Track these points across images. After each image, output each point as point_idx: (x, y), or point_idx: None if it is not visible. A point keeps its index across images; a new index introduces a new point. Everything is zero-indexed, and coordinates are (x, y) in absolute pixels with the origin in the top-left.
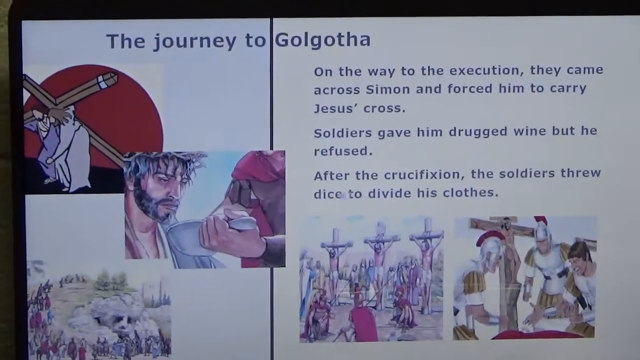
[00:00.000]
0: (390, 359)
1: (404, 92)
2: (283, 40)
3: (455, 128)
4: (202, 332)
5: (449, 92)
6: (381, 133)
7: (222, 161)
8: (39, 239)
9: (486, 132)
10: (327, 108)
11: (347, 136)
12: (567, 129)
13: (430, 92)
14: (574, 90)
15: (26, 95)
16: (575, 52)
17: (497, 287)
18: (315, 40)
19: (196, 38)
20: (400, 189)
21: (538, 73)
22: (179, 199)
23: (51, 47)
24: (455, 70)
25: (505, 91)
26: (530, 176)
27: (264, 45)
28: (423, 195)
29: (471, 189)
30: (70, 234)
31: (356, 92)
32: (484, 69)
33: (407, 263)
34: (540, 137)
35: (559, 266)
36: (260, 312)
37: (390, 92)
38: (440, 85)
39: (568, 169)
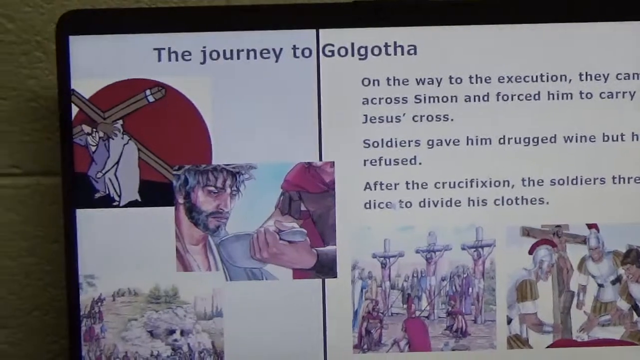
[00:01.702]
0: None
1: (452, 101)
2: (330, 51)
3: (504, 136)
4: (254, 345)
5: (497, 100)
6: (430, 142)
7: (272, 173)
8: (91, 253)
9: (535, 140)
10: (375, 118)
11: (396, 146)
12: (617, 136)
13: (479, 100)
14: (623, 97)
15: (75, 110)
16: (624, 57)
17: (550, 296)
18: (362, 51)
19: (243, 50)
20: (451, 198)
21: (587, 80)
22: (229, 211)
23: (98, 62)
24: (503, 79)
25: (553, 98)
26: (581, 183)
27: (310, 56)
28: (474, 204)
29: (522, 197)
30: (121, 248)
31: (404, 101)
32: (532, 76)
33: (459, 272)
34: (590, 144)
35: (612, 274)
36: (312, 323)
37: (438, 102)
38: (488, 93)
39: (619, 176)
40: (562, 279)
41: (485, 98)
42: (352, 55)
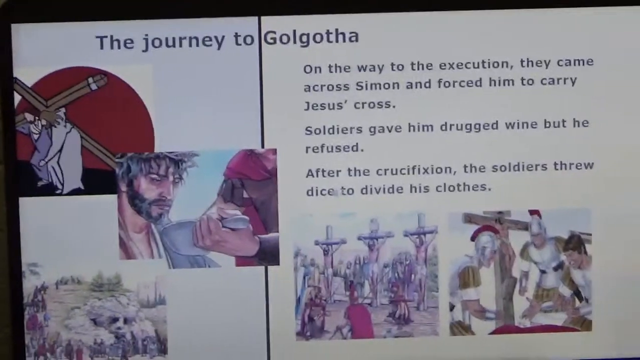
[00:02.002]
0: (387, 355)
1: (393, 87)
2: (271, 38)
3: (446, 123)
4: (198, 332)
5: (439, 86)
6: (372, 129)
7: (214, 160)
8: (34, 241)
9: (477, 126)
10: (317, 105)
11: (338, 133)
12: (558, 122)
13: (420, 87)
14: (564, 83)
15: (17, 98)
16: (565, 44)
17: (492, 282)
18: (304, 38)
19: (185, 38)
20: (393, 185)
21: (528, 66)
22: (171, 199)
23: (41, 50)
24: (445, 65)
25: (495, 85)
26: (523, 170)
27: (252, 43)
28: (416, 191)
29: (464, 183)
30: (64, 236)
31: (346, 88)
32: (474, 63)
33: (401, 259)
34: (532, 130)
35: (555, 260)
36: (255, 310)
37: (380, 88)
38: (430, 80)
39: (561, 162)
40: (505, 266)
41: (427, 85)
42: (294, 42)
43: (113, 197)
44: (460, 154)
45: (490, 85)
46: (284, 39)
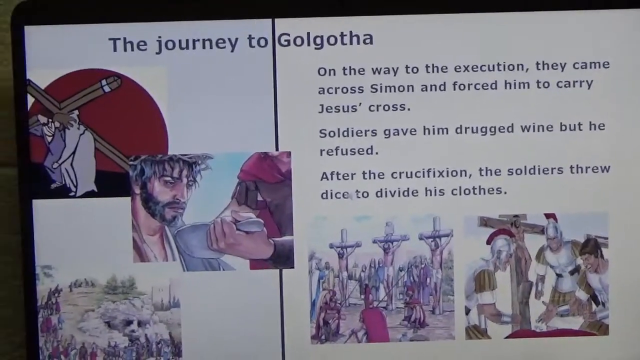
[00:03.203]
0: (403, 359)
1: (408, 90)
2: (285, 40)
3: (461, 126)
4: (212, 335)
5: (454, 89)
6: (387, 132)
7: (228, 163)
8: (47, 244)
9: (493, 129)
10: (331, 108)
11: (352, 136)
12: (574, 125)
13: (435, 90)
14: (580, 86)
15: (30, 100)
16: (581, 47)
17: (508, 286)
18: (318, 40)
19: (198, 40)
20: (408, 188)
21: (544, 69)
22: (185, 201)
23: (54, 52)
24: (460, 68)
25: (510, 88)
26: (539, 173)
27: (266, 46)
28: (431, 194)
29: (479, 186)
30: (78, 238)
31: (360, 91)
32: (489, 65)
33: (416, 263)
34: (547, 134)
35: (571, 264)
36: (270, 313)
37: (394, 91)
38: (445, 83)
39: (577, 165)
40: (521, 269)
41: (442, 87)
42: (308, 44)
43: (127, 200)
44: (475, 157)
45: (505, 88)
46: (298, 41)
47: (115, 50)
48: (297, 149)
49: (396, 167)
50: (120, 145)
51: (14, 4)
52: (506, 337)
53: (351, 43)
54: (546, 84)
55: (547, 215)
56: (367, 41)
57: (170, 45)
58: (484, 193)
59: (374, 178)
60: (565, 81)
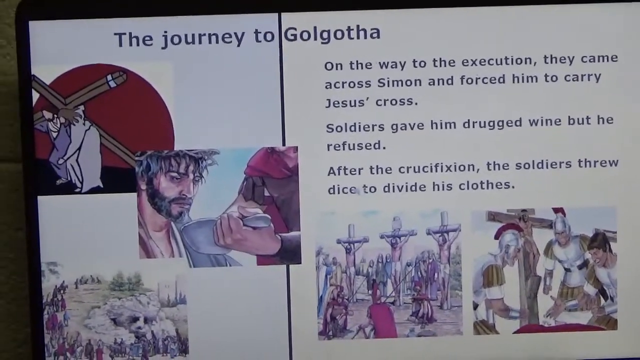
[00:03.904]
0: (410, 355)
1: (415, 84)
2: (292, 35)
3: (469, 120)
4: (219, 331)
5: (462, 83)
6: (394, 126)
7: (234, 158)
8: (53, 240)
9: (500, 123)
10: (338, 102)
11: (359, 130)
12: (583, 119)
13: (443, 84)
14: (588, 79)
15: (35, 96)
16: (589, 40)
17: (516, 281)
18: (325, 34)
19: (204, 34)
20: (415, 183)
21: (552, 62)
22: (192, 197)
23: (59, 47)
24: (467, 62)
25: (518, 82)
26: (547, 167)
27: (272, 40)
28: (439, 189)
29: (487, 181)
30: (83, 235)
31: (367, 85)
32: (497, 59)
33: (424, 258)
34: (555, 128)
35: (579, 258)
36: (277, 309)
37: (402, 85)
38: (452, 77)
39: (585, 159)
40: (529, 264)
41: (450, 82)
42: (315, 39)
43: (133, 196)
44: (483, 152)
45: (513, 82)
46: (305, 35)
47: (120, 45)
48: (304, 144)
49: (403, 161)
50: (126, 141)
51: None
52: (514, 332)
53: (358, 37)
54: (554, 78)
55: (556, 210)
56: (374, 35)
57: (176, 40)
58: (492, 187)
59: (382, 173)
60: (574, 75)
